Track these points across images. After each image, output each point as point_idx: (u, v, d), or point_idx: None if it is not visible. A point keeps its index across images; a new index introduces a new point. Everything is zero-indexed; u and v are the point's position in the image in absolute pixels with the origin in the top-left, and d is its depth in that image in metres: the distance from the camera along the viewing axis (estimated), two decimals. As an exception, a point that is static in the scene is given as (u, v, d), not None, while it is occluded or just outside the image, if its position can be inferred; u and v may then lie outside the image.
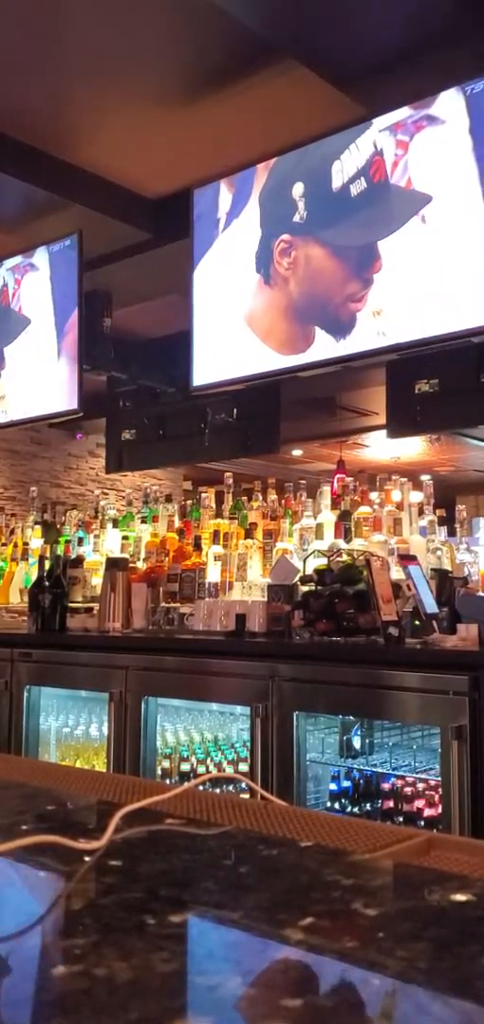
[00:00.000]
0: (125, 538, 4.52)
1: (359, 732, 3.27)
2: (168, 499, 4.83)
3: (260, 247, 4.03)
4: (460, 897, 0.70)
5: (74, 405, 4.66)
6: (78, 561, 4.34)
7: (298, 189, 3.86)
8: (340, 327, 3.74)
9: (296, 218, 3.87)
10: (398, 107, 3.57)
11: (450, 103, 3.42)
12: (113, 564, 3.99)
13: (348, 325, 3.71)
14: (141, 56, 3.87)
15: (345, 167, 3.68)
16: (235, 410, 4.69)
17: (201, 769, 3.46)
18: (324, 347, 3.82)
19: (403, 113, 3.55)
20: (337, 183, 3.72)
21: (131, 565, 4.17)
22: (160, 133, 4.38)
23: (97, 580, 4.18)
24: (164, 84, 4.07)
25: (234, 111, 4.11)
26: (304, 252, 3.85)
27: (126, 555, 4.30)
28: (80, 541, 4.74)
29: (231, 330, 4.17)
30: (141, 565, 4.28)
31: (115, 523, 4.77)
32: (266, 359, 4.03)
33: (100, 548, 4.69)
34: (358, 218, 3.68)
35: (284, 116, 4.05)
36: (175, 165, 4.65)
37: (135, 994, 0.52)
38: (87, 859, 0.79)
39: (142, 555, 4.38)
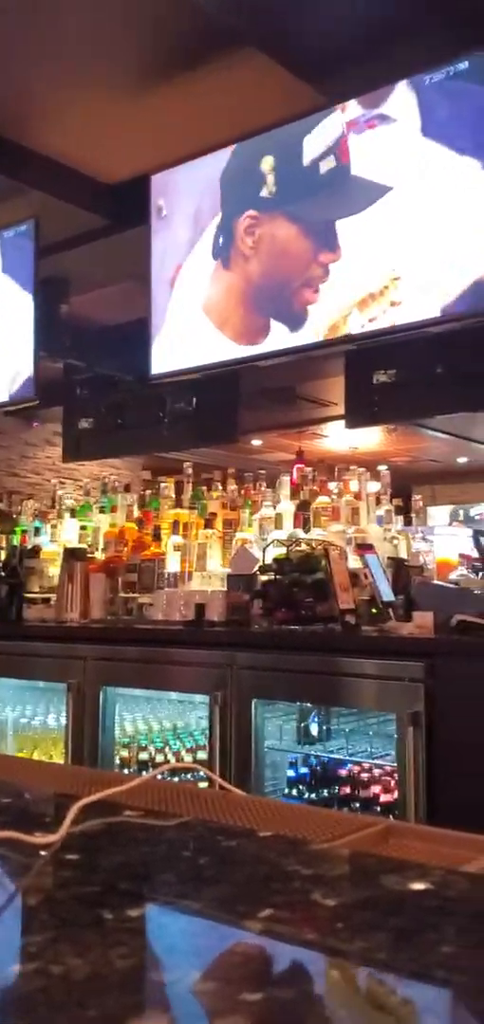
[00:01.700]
0: (83, 528, 4.48)
1: (316, 719, 3.29)
2: (127, 489, 4.80)
3: (219, 231, 4.01)
4: (418, 886, 0.70)
5: (30, 393, 4.61)
6: (35, 551, 4.29)
7: (268, 163, 3.84)
8: (294, 318, 3.74)
9: (264, 192, 3.86)
10: (357, 96, 3.58)
11: (406, 95, 3.44)
12: (71, 554, 3.95)
13: (302, 317, 3.71)
14: (99, 41, 3.82)
15: (315, 143, 3.68)
16: (194, 399, 4.67)
17: (160, 758, 3.46)
18: (279, 337, 3.82)
19: (362, 102, 3.56)
20: (308, 158, 3.71)
21: (89, 555, 4.13)
22: (118, 119, 4.34)
23: (55, 571, 4.14)
24: (122, 70, 4.02)
25: (193, 97, 4.08)
26: (270, 229, 3.84)
27: (84, 545, 4.27)
28: (37, 531, 4.68)
29: (190, 318, 4.15)
30: (99, 555, 4.25)
31: (73, 513, 4.73)
32: (224, 348, 4.02)
33: (57, 538, 4.64)
34: (325, 196, 3.67)
35: (243, 103, 4.03)
36: (133, 151, 4.60)
37: (93, 991, 0.51)
38: (43, 853, 0.78)
39: (100, 545, 4.34)
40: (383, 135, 3.50)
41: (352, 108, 3.59)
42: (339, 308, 3.63)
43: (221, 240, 4.01)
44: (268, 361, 3.98)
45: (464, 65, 3.30)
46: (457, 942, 0.60)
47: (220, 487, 4.29)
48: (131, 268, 4.78)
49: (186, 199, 4.18)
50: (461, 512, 11.88)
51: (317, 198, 3.71)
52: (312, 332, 3.71)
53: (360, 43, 3.68)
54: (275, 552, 3.39)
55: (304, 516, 3.76)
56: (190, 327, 4.14)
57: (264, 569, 3.28)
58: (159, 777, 1.27)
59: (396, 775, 2.74)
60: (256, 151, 3.91)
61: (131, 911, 0.66)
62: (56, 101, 4.27)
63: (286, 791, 3.16)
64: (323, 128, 3.67)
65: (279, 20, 3.65)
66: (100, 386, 5.20)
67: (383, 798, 2.93)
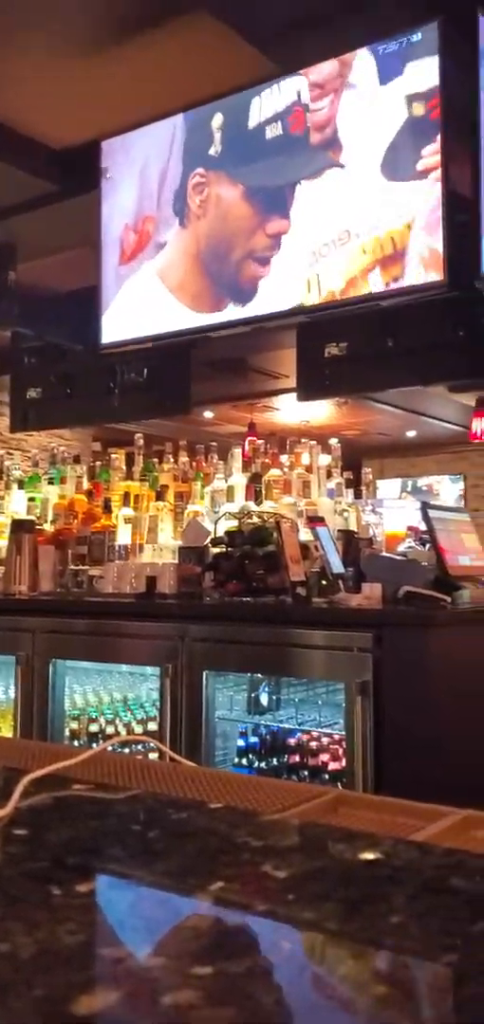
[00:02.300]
0: (31, 500, 4.42)
1: (267, 689, 3.31)
2: (76, 460, 4.75)
3: (179, 188, 3.96)
4: (368, 856, 0.71)
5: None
6: (-18, 523, 4.22)
7: (217, 120, 3.80)
8: (243, 293, 3.73)
9: (212, 151, 3.82)
10: (309, 65, 3.56)
11: (362, 64, 3.42)
12: (19, 526, 3.89)
13: (250, 292, 3.70)
14: (49, 4, 3.72)
15: (264, 107, 3.65)
16: (145, 370, 4.62)
17: (110, 730, 3.45)
18: (232, 311, 3.80)
19: (317, 71, 3.53)
20: (253, 122, 3.68)
21: (38, 527, 4.08)
22: (68, 83, 4.24)
23: (2, 542, 4.08)
24: (72, 32, 3.93)
25: (145, 62, 4.01)
26: (216, 189, 3.81)
27: (32, 517, 4.21)
28: (-16, 502, 4.61)
29: (142, 286, 4.10)
30: (48, 527, 4.20)
31: (21, 484, 4.65)
32: (177, 315, 3.98)
33: (5, 510, 4.57)
34: (270, 161, 3.65)
35: (195, 69, 3.97)
36: (84, 116, 4.51)
37: (40, 969, 0.51)
38: (-9, 829, 0.77)
39: (49, 517, 4.29)
40: (338, 102, 3.48)
41: (307, 74, 3.56)
42: (293, 277, 3.61)
43: (178, 197, 3.96)
44: (220, 332, 3.96)
45: (417, 37, 3.30)
46: (406, 911, 0.60)
47: (171, 459, 4.27)
48: (81, 235, 4.71)
49: (138, 161, 4.12)
50: (410, 484, 12.04)
51: (262, 163, 3.68)
52: (263, 304, 3.69)
53: (314, 12, 3.65)
54: (227, 524, 3.39)
55: (256, 489, 3.77)
56: (143, 294, 4.09)
57: (216, 541, 3.28)
58: (109, 749, 1.27)
59: (344, 743, 2.77)
60: (211, 108, 3.87)
61: (80, 886, 0.65)
62: (4, 65, 4.16)
63: (236, 760, 3.18)
64: (272, 93, 3.64)
65: (232, -15, 3.60)
66: (49, 355, 5.12)
67: (332, 766, 2.97)
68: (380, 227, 3.40)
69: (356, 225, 3.45)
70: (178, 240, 3.96)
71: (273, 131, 3.62)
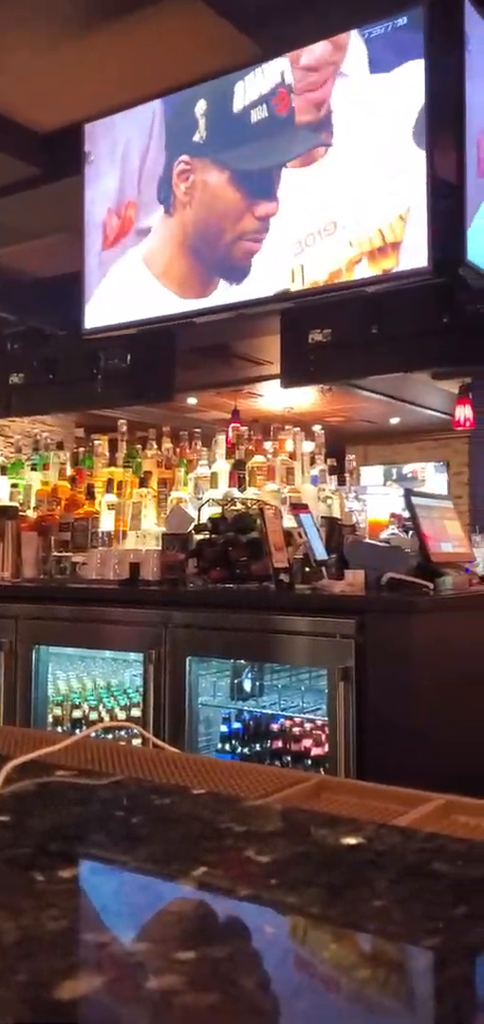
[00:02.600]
0: (14, 486, 4.39)
1: (250, 675, 3.31)
2: (59, 446, 4.72)
3: (163, 175, 3.94)
4: (350, 840, 0.71)
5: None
6: (-35, 508, 4.19)
7: (200, 107, 3.78)
8: (235, 272, 3.71)
9: (196, 137, 3.79)
10: (294, 48, 3.54)
11: (349, 46, 3.42)
12: (2, 512, 3.88)
13: (243, 270, 3.68)
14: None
15: (248, 91, 3.63)
16: (129, 356, 4.60)
17: (93, 716, 3.45)
18: (222, 293, 3.78)
19: (303, 53, 3.52)
20: (238, 106, 3.66)
21: (21, 513, 4.06)
22: (51, 65, 4.20)
23: (-15, 528, 4.05)
24: (56, 15, 3.89)
25: (129, 45, 3.97)
26: (202, 176, 3.78)
27: (15, 503, 4.19)
28: (-33, 488, 4.58)
29: (127, 271, 4.07)
30: (31, 514, 4.18)
31: (3, 470, 4.63)
32: (163, 300, 3.96)
33: (-12, 495, 4.54)
34: (255, 145, 3.63)
35: (180, 52, 3.95)
36: (67, 99, 4.47)
37: (24, 955, 0.50)
38: (-27, 816, 0.77)
39: (32, 503, 4.27)
40: (326, 85, 3.47)
41: (293, 57, 3.54)
42: (283, 259, 3.60)
43: (163, 185, 3.93)
44: (206, 318, 3.94)
45: (403, 20, 3.29)
46: (389, 895, 0.61)
47: (155, 446, 4.25)
48: (65, 220, 4.67)
49: (120, 145, 4.09)
50: (394, 471, 12.08)
51: (248, 146, 3.66)
52: (254, 285, 3.68)
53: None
54: (210, 511, 3.39)
55: (239, 475, 3.76)
56: (128, 280, 4.07)
57: (199, 528, 3.28)
58: (92, 736, 1.27)
59: (327, 729, 2.78)
60: (193, 94, 3.84)
61: (63, 872, 0.65)
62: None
63: (219, 746, 3.18)
64: (257, 76, 3.62)
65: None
66: (32, 340, 5.08)
67: (314, 752, 2.98)
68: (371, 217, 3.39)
69: (344, 216, 3.44)
70: (164, 227, 3.94)
71: (258, 114, 3.60)
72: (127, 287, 4.08)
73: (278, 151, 3.58)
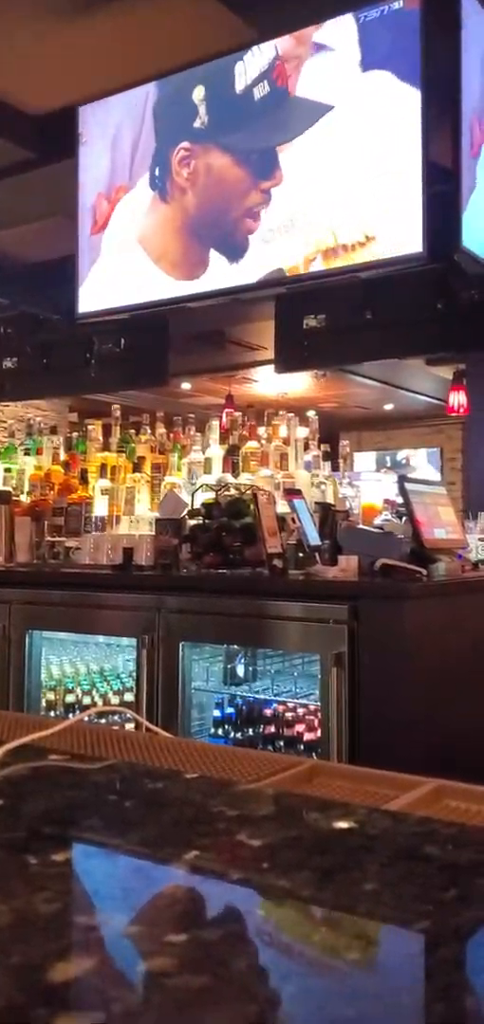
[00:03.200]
0: (7, 471, 4.39)
1: (243, 660, 3.32)
2: (53, 431, 4.71)
3: (155, 162, 3.91)
4: (342, 824, 0.72)
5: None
6: (-43, 493, 4.18)
7: (199, 93, 3.74)
8: (234, 249, 3.68)
9: (197, 124, 3.76)
10: (288, 30, 3.52)
11: (342, 30, 3.40)
12: (-5, 496, 3.87)
13: (241, 247, 3.66)
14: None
15: (248, 69, 3.60)
16: (122, 340, 4.59)
17: (86, 701, 3.45)
18: (218, 271, 3.76)
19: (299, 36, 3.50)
20: (240, 85, 3.63)
21: (14, 498, 4.06)
22: (45, 47, 4.17)
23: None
24: (49, -7, 3.86)
25: (123, 27, 3.95)
26: (204, 161, 3.76)
27: (8, 488, 4.18)
28: (-41, 472, 4.57)
29: (121, 254, 4.05)
30: (25, 498, 4.17)
31: (-4, 454, 4.62)
32: (158, 284, 3.94)
33: (-19, 480, 4.53)
34: (260, 123, 3.61)
35: (175, 35, 3.92)
36: (60, 82, 4.44)
37: (17, 937, 0.51)
38: (-34, 800, 0.77)
39: (26, 488, 4.27)
40: (324, 62, 3.45)
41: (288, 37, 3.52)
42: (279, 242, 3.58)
43: (157, 172, 3.91)
44: (200, 303, 3.93)
45: (399, 4, 3.28)
46: (380, 878, 0.61)
47: (149, 431, 4.25)
48: (57, 202, 4.65)
49: (111, 129, 4.06)
50: (388, 459, 12.08)
51: (252, 126, 3.63)
52: (252, 264, 3.66)
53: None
54: (204, 496, 3.39)
55: (233, 461, 3.76)
56: (123, 262, 4.05)
57: (193, 513, 3.28)
58: (86, 720, 1.27)
59: (320, 714, 2.79)
60: (188, 80, 3.81)
61: (56, 855, 0.65)
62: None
63: (212, 731, 3.19)
64: (254, 54, 3.59)
65: None
66: (25, 325, 5.06)
67: (307, 737, 2.99)
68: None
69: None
70: (160, 212, 3.91)
71: (261, 91, 3.57)
72: (120, 271, 4.06)
73: (282, 125, 3.55)
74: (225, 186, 3.73)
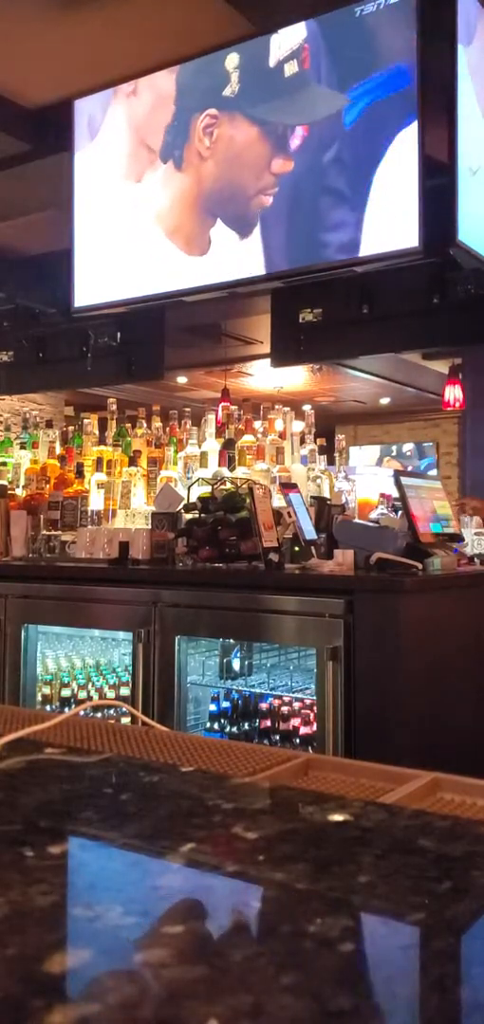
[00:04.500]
0: (3, 464, 4.38)
1: (239, 654, 3.32)
2: (49, 424, 4.71)
3: (173, 130, 3.86)
4: (338, 817, 0.72)
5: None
6: (-47, 486, 4.18)
7: (232, 60, 3.71)
8: (244, 226, 3.66)
9: (227, 91, 3.72)
10: (284, 24, 3.51)
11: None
12: (-9, 490, 3.87)
13: (251, 225, 3.64)
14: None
15: (282, 43, 3.57)
16: (119, 334, 4.59)
17: (82, 695, 3.45)
18: (225, 249, 3.72)
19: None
20: (274, 59, 3.61)
21: (10, 492, 4.05)
22: (41, 41, 4.15)
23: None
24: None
25: (118, 20, 3.93)
26: (229, 130, 3.72)
27: (5, 482, 4.18)
28: (-45, 466, 4.56)
29: (121, 243, 4.03)
30: (20, 492, 4.17)
31: (-8, 448, 4.61)
32: (170, 262, 3.88)
33: (-23, 474, 4.53)
34: (288, 99, 3.58)
35: (169, 27, 3.91)
36: (57, 74, 4.42)
37: (13, 929, 0.51)
38: (-37, 793, 0.77)
39: (21, 482, 4.26)
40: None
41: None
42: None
43: (175, 139, 3.86)
44: (193, 297, 3.93)
45: None
46: (374, 871, 0.62)
47: (145, 424, 4.24)
48: (53, 196, 4.64)
49: (116, 116, 4.02)
50: (394, 448, 12.06)
51: (278, 101, 3.61)
52: (256, 243, 3.64)
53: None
54: (200, 490, 3.39)
55: (229, 455, 3.76)
56: (138, 246, 4.00)
57: (189, 507, 3.28)
58: (81, 714, 1.27)
59: (315, 708, 2.80)
60: (218, 54, 3.76)
61: (52, 848, 0.66)
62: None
63: (208, 725, 3.20)
64: (287, 31, 3.57)
65: None
66: (21, 318, 5.06)
67: (303, 731, 2.99)
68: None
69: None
70: (174, 185, 3.85)
71: (291, 68, 3.55)
72: (132, 256, 4.01)
73: (305, 106, 3.53)
74: (245, 159, 3.69)
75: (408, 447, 12.09)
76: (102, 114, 4.11)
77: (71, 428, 4.54)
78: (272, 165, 3.60)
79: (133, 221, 4.02)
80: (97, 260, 4.16)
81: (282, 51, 3.58)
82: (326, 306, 3.85)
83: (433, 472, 10.97)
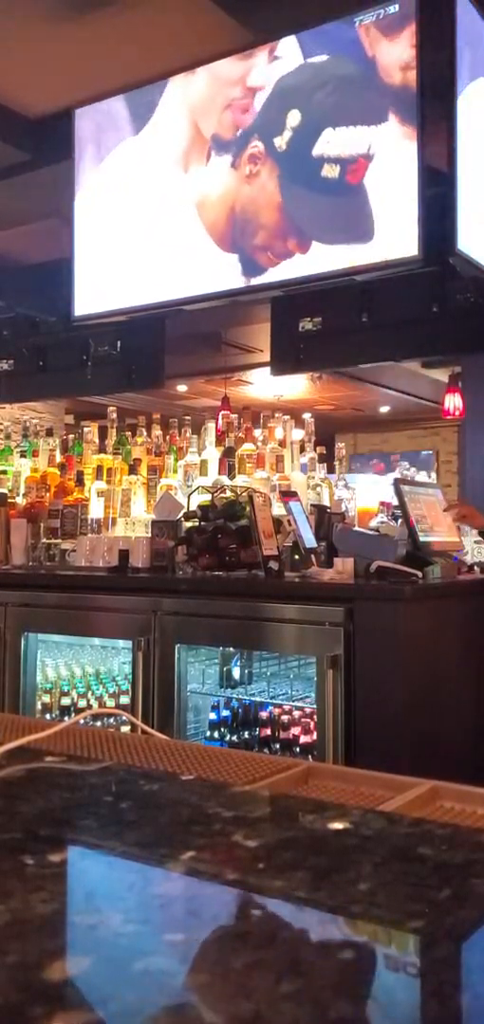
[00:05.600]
0: (3, 472, 4.38)
1: (239, 663, 3.32)
2: (49, 433, 4.71)
3: (240, 140, 3.81)
4: (337, 825, 0.72)
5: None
6: (-47, 495, 4.18)
7: (293, 118, 3.66)
8: (253, 268, 3.67)
9: (278, 142, 3.68)
10: (284, 34, 3.52)
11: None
12: (-9, 499, 3.87)
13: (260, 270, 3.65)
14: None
15: (332, 143, 3.54)
16: (119, 342, 4.59)
17: (82, 703, 3.45)
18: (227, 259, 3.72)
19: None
20: (318, 151, 3.56)
21: (10, 500, 4.05)
22: (42, 50, 4.17)
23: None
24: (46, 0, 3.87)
25: (119, 30, 3.95)
26: (265, 172, 3.68)
27: (5, 490, 4.18)
28: (-45, 474, 4.56)
29: (122, 254, 4.02)
30: (20, 500, 4.17)
31: (-8, 456, 4.62)
32: (208, 257, 3.84)
33: (-23, 482, 4.53)
34: (318, 198, 3.56)
35: (169, 38, 3.93)
36: (57, 84, 4.44)
37: (13, 936, 0.51)
38: (-37, 801, 0.77)
39: (21, 490, 4.26)
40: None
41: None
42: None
43: (229, 146, 3.80)
44: (196, 306, 3.93)
45: (394, 8, 3.29)
46: (374, 879, 0.62)
47: (145, 433, 4.25)
48: (54, 205, 4.65)
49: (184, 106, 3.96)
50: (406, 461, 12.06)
51: (311, 193, 3.59)
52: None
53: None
54: (200, 498, 3.39)
55: (229, 463, 3.77)
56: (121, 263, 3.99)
57: (188, 515, 3.28)
58: (81, 723, 1.27)
59: (315, 716, 2.80)
60: (289, 97, 3.66)
61: (52, 856, 0.66)
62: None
63: (208, 734, 3.19)
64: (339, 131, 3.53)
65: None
66: (22, 327, 5.06)
67: (303, 739, 2.99)
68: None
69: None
70: (221, 181, 3.79)
71: (330, 171, 3.50)
72: (130, 262, 3.99)
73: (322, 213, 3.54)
74: (264, 213, 3.68)
75: (428, 452, 12.04)
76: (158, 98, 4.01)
77: (71, 436, 4.55)
78: (288, 241, 3.61)
79: (163, 219, 3.96)
80: (97, 268, 4.16)
81: (330, 152, 3.50)
82: (326, 315, 3.86)
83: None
